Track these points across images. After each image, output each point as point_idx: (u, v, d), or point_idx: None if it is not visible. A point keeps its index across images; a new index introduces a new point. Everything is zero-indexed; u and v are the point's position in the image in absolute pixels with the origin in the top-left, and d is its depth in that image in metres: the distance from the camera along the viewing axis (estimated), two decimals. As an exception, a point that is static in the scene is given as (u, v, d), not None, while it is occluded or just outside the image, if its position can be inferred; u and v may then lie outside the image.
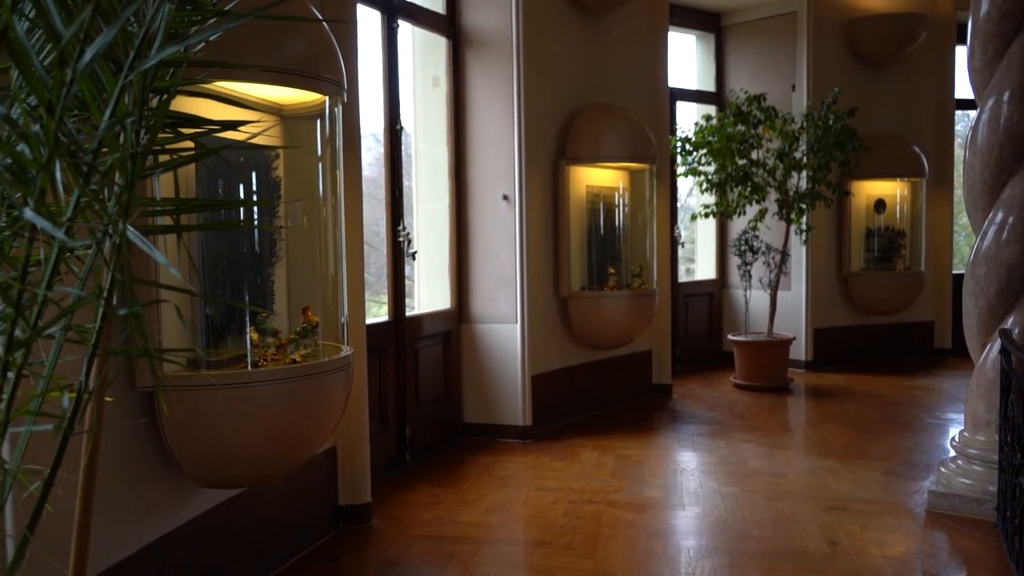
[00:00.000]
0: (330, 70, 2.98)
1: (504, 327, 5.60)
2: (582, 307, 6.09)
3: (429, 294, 5.68)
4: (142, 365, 2.56)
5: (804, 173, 7.24)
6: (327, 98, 3.09)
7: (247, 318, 3.00)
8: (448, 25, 5.58)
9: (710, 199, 7.50)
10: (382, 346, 4.89)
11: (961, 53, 8.46)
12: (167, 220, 1.76)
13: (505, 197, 5.55)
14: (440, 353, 5.55)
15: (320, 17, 3.27)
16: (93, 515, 1.39)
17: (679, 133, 7.40)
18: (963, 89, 8.50)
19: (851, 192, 8.20)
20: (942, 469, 4.24)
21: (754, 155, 7.19)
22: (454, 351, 5.66)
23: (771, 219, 7.33)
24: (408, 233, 5.13)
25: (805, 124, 7.21)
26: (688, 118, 8.29)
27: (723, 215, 7.55)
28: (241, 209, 3.14)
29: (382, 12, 4.94)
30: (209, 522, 3.05)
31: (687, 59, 8.77)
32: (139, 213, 1.32)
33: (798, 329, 8.01)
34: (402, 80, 5.12)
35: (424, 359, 5.36)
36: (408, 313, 5.20)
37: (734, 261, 7.88)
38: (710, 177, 7.28)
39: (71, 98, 1.10)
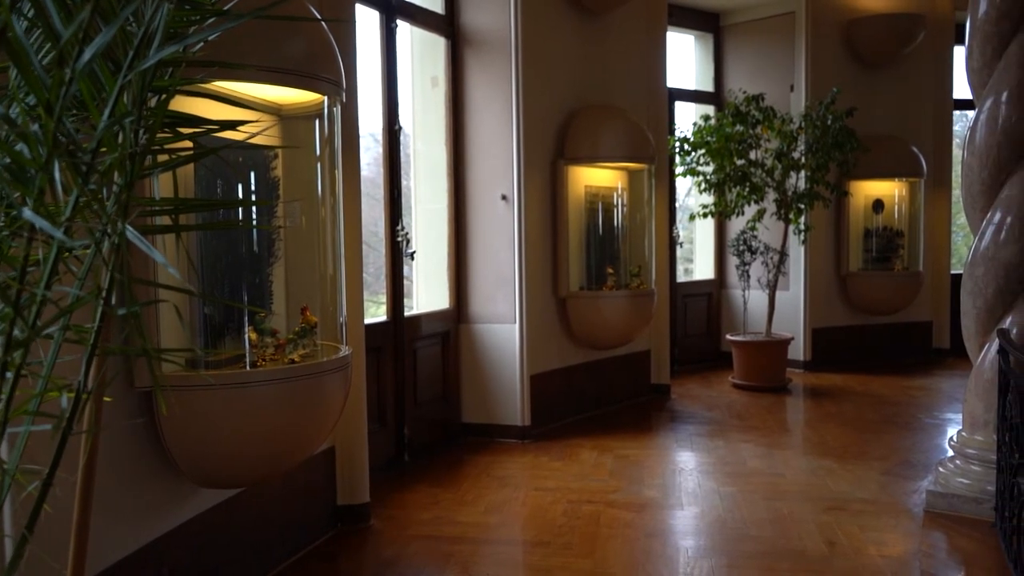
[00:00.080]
0: (329, 70, 2.98)
1: (503, 327, 5.60)
2: (581, 307, 6.09)
3: (428, 294, 5.68)
4: (140, 365, 2.56)
5: (802, 173, 7.25)
6: (326, 98, 3.09)
7: (245, 318, 3.00)
8: (447, 25, 5.58)
9: (708, 199, 7.50)
10: (380, 346, 4.89)
11: (959, 53, 8.45)
12: (166, 220, 1.76)
13: (504, 197, 5.55)
14: (439, 353, 5.55)
15: (319, 17, 3.27)
16: (92, 515, 1.38)
17: (678, 133, 7.41)
18: (961, 89, 8.51)
19: (849, 192, 8.21)
20: (940, 469, 4.24)
21: (752, 155, 7.19)
22: (453, 351, 5.66)
23: (769, 219, 7.33)
24: (407, 233, 5.13)
25: (803, 124, 7.21)
26: (687, 118, 8.30)
27: (721, 215, 7.56)
28: (240, 209, 3.14)
29: (381, 12, 4.94)
30: (208, 522, 3.05)
31: (686, 59, 8.78)
32: (138, 213, 1.32)
33: (796, 329, 8.02)
34: (401, 80, 5.12)
35: (423, 359, 5.36)
36: (407, 313, 5.20)
37: (732, 261, 7.88)
38: (708, 177, 7.28)
39: (70, 98, 1.09)
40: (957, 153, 8.87)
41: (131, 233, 1.13)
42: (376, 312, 5.17)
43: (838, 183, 7.73)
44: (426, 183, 5.68)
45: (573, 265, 6.14)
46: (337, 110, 3.19)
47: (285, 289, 3.26)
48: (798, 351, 8.02)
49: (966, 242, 10.33)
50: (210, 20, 1.31)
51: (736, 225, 7.94)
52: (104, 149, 1.16)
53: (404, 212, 5.20)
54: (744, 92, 7.23)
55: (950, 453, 4.34)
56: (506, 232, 5.56)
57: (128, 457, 2.64)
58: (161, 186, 2.49)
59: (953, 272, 8.77)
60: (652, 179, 6.55)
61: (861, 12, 8.28)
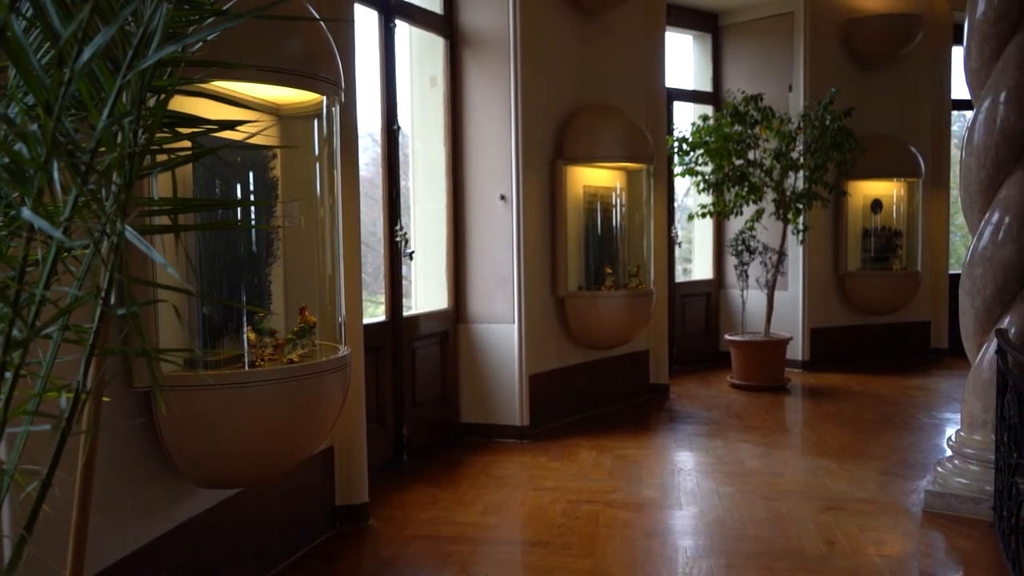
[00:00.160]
0: (327, 70, 2.98)
1: (501, 327, 5.60)
2: (579, 307, 6.09)
3: (426, 294, 5.67)
4: (139, 365, 2.55)
5: (801, 173, 7.25)
6: (324, 98, 3.09)
7: (244, 318, 3.00)
8: (445, 25, 5.58)
9: (707, 199, 7.51)
10: (379, 346, 4.88)
11: (957, 54, 8.45)
12: (164, 220, 1.76)
13: (502, 197, 5.55)
14: (437, 353, 5.55)
15: (317, 17, 3.27)
16: (91, 515, 1.38)
17: (676, 133, 7.41)
18: (959, 89, 8.53)
19: (848, 192, 8.22)
20: (939, 469, 4.25)
21: (751, 155, 7.20)
22: (451, 351, 5.66)
23: (768, 219, 7.34)
24: (405, 233, 5.13)
25: (802, 124, 7.22)
26: (685, 118, 8.31)
27: (720, 215, 7.56)
28: (238, 209, 3.13)
29: (379, 12, 4.93)
30: (206, 522, 3.05)
31: (684, 59, 8.78)
32: (137, 213, 1.32)
33: (795, 329, 8.03)
34: (399, 80, 5.12)
35: (421, 359, 5.36)
36: (405, 313, 5.20)
37: (731, 261, 7.88)
38: (707, 177, 7.29)
39: (69, 97, 1.09)
40: (955, 153, 8.88)
41: (130, 233, 1.13)
42: (375, 312, 5.17)
43: (836, 183, 7.74)
44: (425, 183, 5.68)
45: (572, 265, 6.14)
46: (336, 110, 3.19)
47: (284, 289, 3.26)
48: (796, 351, 8.03)
49: (964, 242, 10.34)
50: (209, 20, 1.31)
51: (735, 225, 7.95)
52: (103, 149, 1.16)
53: (403, 212, 5.19)
54: (743, 92, 7.24)
55: (948, 453, 4.34)
56: (505, 232, 5.56)
57: (127, 457, 2.63)
58: (160, 186, 2.49)
59: (951, 272, 8.79)
60: (651, 179, 6.55)
61: (859, 12, 8.28)
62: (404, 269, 5.24)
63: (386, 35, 4.97)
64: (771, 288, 7.42)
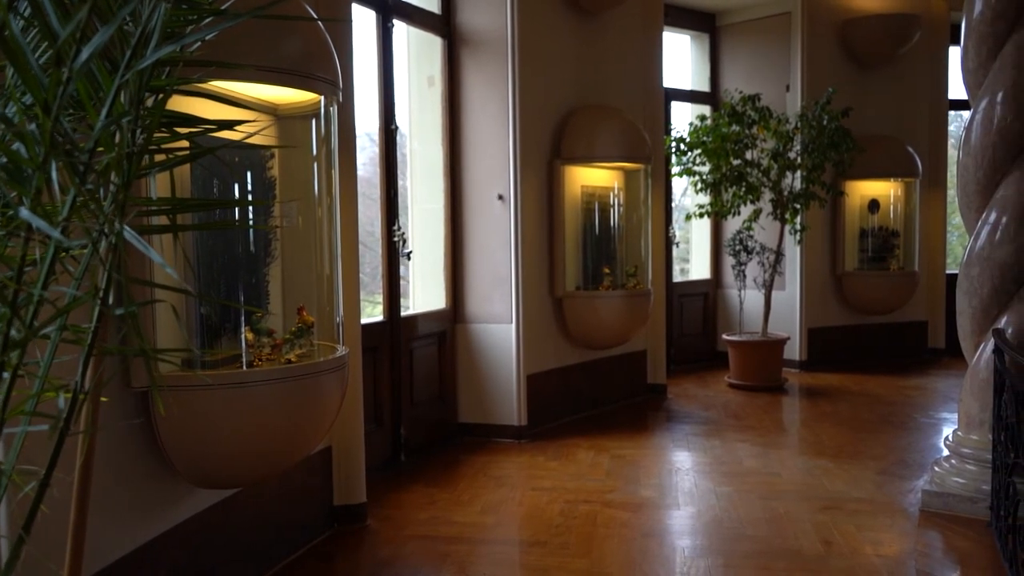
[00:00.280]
0: (325, 70, 2.98)
1: (499, 327, 5.60)
2: (577, 307, 6.10)
3: (424, 294, 5.67)
4: (137, 365, 2.55)
5: (798, 173, 7.26)
6: (322, 98, 3.09)
7: (242, 318, 2.99)
8: (443, 25, 5.58)
9: (705, 199, 7.51)
10: (377, 346, 4.88)
11: (955, 54, 8.49)
12: (162, 220, 1.76)
13: (500, 197, 5.55)
14: (435, 353, 5.55)
15: (315, 17, 3.26)
16: (89, 515, 1.38)
17: (674, 133, 7.41)
18: (957, 90, 8.54)
19: (845, 192, 8.23)
20: (936, 468, 4.25)
21: (748, 155, 7.20)
22: (449, 351, 5.66)
23: (765, 219, 7.35)
24: (403, 233, 5.13)
25: (799, 124, 7.22)
26: (683, 118, 8.31)
27: (718, 215, 7.56)
28: (236, 209, 3.13)
29: (377, 12, 4.93)
30: (204, 522, 3.04)
31: (682, 59, 8.79)
32: (135, 213, 1.32)
33: (792, 329, 8.03)
34: (397, 80, 5.12)
35: (419, 359, 5.36)
36: (403, 313, 5.20)
37: (728, 261, 7.89)
38: (705, 177, 7.29)
39: (67, 97, 1.09)
40: (952, 153, 8.90)
41: (128, 233, 1.13)
42: (372, 312, 5.16)
43: (834, 183, 7.76)
44: (422, 183, 5.68)
45: (569, 265, 6.14)
46: (334, 110, 3.19)
47: (282, 289, 3.26)
48: (794, 351, 8.03)
49: (961, 242, 10.36)
50: (207, 20, 1.31)
51: (732, 225, 7.95)
52: (101, 149, 1.16)
53: (400, 212, 5.19)
54: (740, 92, 7.24)
55: (946, 452, 4.35)
56: (502, 232, 5.56)
57: (125, 457, 2.63)
58: (158, 186, 2.49)
59: (948, 272, 8.80)
60: (648, 179, 6.55)
61: (857, 12, 8.29)
62: (402, 269, 5.24)
63: (384, 35, 4.97)
64: (768, 288, 7.43)
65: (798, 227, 7.42)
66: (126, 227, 1.14)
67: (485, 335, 5.65)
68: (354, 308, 3.95)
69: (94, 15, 1.11)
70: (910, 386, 7.40)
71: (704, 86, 8.73)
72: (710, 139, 7.13)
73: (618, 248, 6.51)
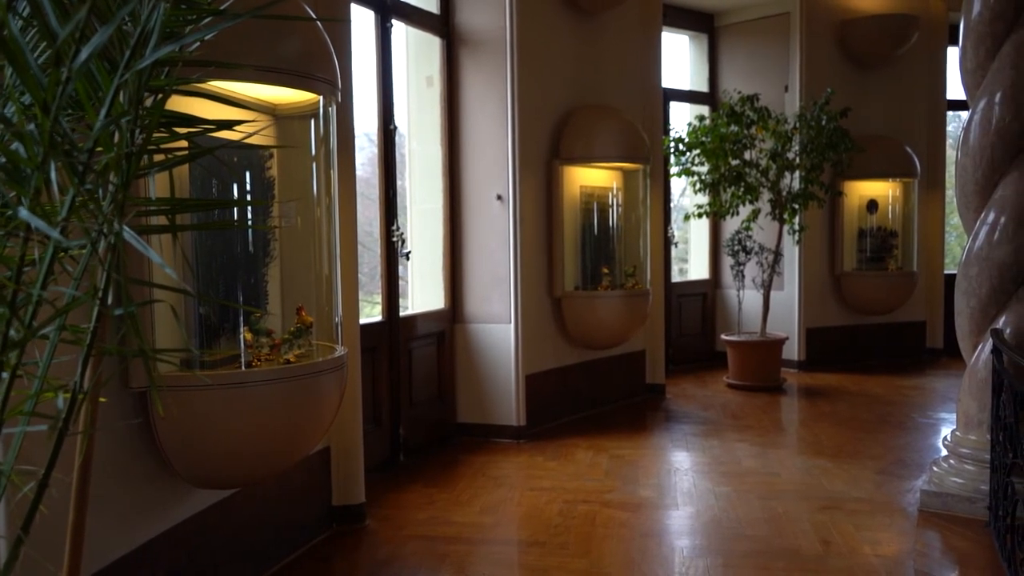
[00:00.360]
0: (324, 70, 2.98)
1: (498, 327, 5.60)
2: (576, 307, 6.10)
3: (423, 294, 5.67)
4: (136, 365, 2.55)
5: (797, 173, 7.26)
6: (321, 98, 3.09)
7: (241, 318, 2.99)
8: (442, 25, 5.58)
9: (703, 199, 7.51)
10: (376, 346, 4.88)
11: (953, 54, 8.50)
12: (161, 220, 1.76)
13: (499, 197, 5.55)
14: (434, 353, 5.55)
15: (314, 17, 3.26)
16: (87, 516, 1.38)
17: (672, 133, 7.41)
18: (955, 90, 8.55)
19: (843, 192, 8.23)
20: (934, 468, 4.26)
21: (747, 155, 7.21)
22: (448, 351, 5.66)
23: (764, 219, 7.35)
24: (402, 233, 5.13)
25: (798, 124, 7.23)
26: (681, 118, 8.32)
27: (716, 215, 7.56)
28: (235, 209, 3.13)
29: (376, 12, 4.93)
30: (203, 522, 3.04)
31: (680, 59, 8.79)
32: (134, 213, 1.32)
33: (791, 329, 8.04)
34: (396, 80, 5.12)
35: (418, 359, 5.35)
36: (402, 313, 5.19)
37: (727, 261, 7.90)
38: (703, 177, 7.29)
39: (66, 97, 1.09)
40: (951, 153, 8.91)
41: (128, 233, 1.13)
42: (371, 312, 5.16)
43: (832, 183, 7.76)
44: (421, 183, 5.68)
45: (568, 265, 6.14)
46: (332, 110, 3.18)
47: (281, 289, 3.25)
48: (792, 351, 8.04)
49: (959, 242, 10.37)
50: (206, 20, 1.31)
51: (731, 225, 7.96)
52: (100, 149, 1.16)
53: (399, 212, 5.19)
54: (739, 92, 7.24)
55: (944, 452, 4.35)
56: (501, 232, 5.56)
57: (124, 458, 2.63)
58: (157, 186, 2.49)
59: (947, 272, 8.81)
60: (647, 179, 6.56)
61: (855, 13, 8.30)
62: (401, 269, 5.24)
63: (383, 35, 4.97)
64: (767, 288, 7.43)
65: (796, 227, 7.42)
66: (125, 227, 1.14)
67: (484, 335, 5.65)
68: (353, 308, 3.95)
69: (93, 15, 1.11)
70: (908, 386, 7.41)
71: (703, 86, 8.73)
72: (709, 139, 7.13)
73: (617, 248, 6.52)
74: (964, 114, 4.27)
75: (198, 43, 1.33)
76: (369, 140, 5.14)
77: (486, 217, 5.61)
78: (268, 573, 3.48)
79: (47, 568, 1.58)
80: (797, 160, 7.22)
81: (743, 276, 7.49)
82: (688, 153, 7.27)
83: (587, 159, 6.09)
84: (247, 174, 3.09)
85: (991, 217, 4.03)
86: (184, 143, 1.56)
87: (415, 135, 5.67)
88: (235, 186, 3.09)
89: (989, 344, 3.94)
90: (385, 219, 5.05)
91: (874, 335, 8.69)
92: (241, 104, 2.91)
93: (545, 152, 5.95)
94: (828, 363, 8.24)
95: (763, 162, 7.20)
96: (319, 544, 3.83)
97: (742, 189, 7.16)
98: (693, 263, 9.03)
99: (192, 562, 3.00)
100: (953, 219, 9.59)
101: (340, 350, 3.12)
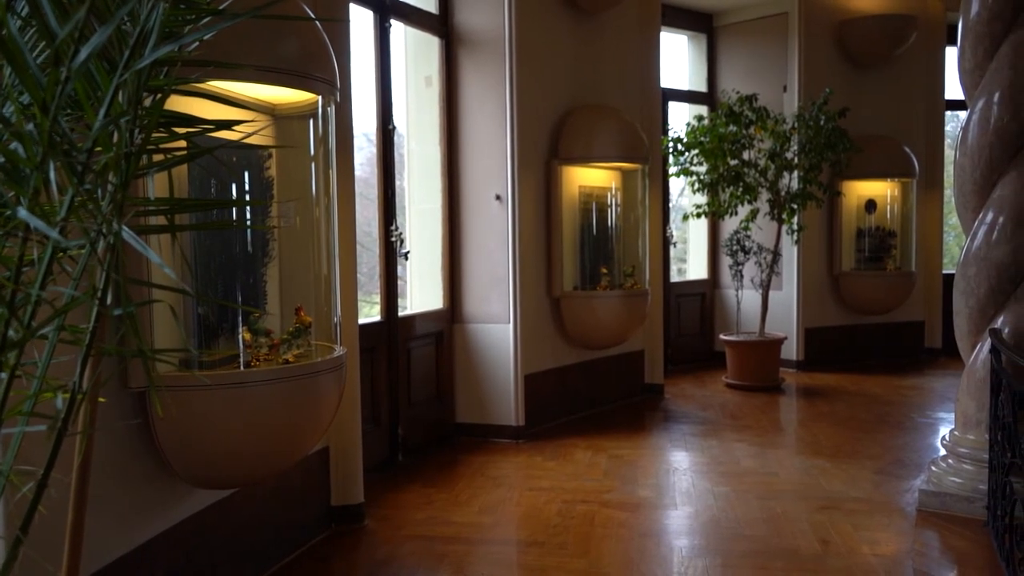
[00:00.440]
0: (323, 70, 2.98)
1: (497, 327, 5.60)
2: (575, 307, 6.10)
3: (422, 294, 5.67)
4: (135, 365, 2.55)
5: (795, 173, 7.27)
6: (320, 98, 3.09)
7: (240, 318, 2.99)
8: (441, 25, 5.58)
9: (702, 199, 7.52)
10: (374, 346, 4.88)
11: (951, 54, 8.50)
12: (160, 220, 1.75)
13: (498, 197, 5.55)
14: (433, 353, 5.55)
15: (313, 17, 3.26)
16: (86, 516, 1.38)
17: (671, 133, 7.41)
18: (953, 90, 8.55)
19: (842, 192, 8.24)
20: (933, 468, 4.26)
21: (746, 155, 7.21)
22: (446, 351, 5.66)
23: (762, 219, 7.36)
24: (401, 233, 5.13)
25: (796, 124, 7.24)
26: (680, 118, 8.32)
27: (715, 215, 7.57)
28: (234, 209, 3.13)
29: (375, 12, 4.93)
30: (202, 523, 3.04)
31: (679, 59, 8.79)
32: (133, 213, 1.31)
33: (789, 329, 8.04)
34: (395, 80, 5.12)
35: (416, 359, 5.35)
36: (401, 313, 5.19)
37: (726, 261, 7.90)
38: (702, 177, 7.30)
39: (65, 97, 1.09)
40: (949, 153, 8.91)
41: (127, 233, 1.13)
42: (370, 312, 5.16)
43: (830, 183, 7.76)
44: (420, 183, 5.68)
45: (567, 265, 6.15)
46: (331, 110, 3.18)
47: (279, 289, 3.25)
48: (791, 351, 8.04)
49: (958, 242, 10.37)
50: (205, 20, 1.31)
51: (729, 225, 7.96)
52: (99, 148, 1.16)
53: (398, 212, 5.19)
54: (737, 92, 7.25)
55: (942, 452, 4.36)
56: (500, 232, 5.56)
57: (122, 458, 2.63)
58: (156, 186, 2.48)
59: (945, 272, 8.81)
60: (646, 179, 6.56)
61: (853, 13, 8.30)
62: (399, 269, 5.24)
63: (381, 35, 4.97)
64: (766, 288, 7.44)
65: (795, 227, 7.43)
66: (124, 227, 1.14)
67: (483, 335, 5.65)
68: (352, 308, 3.95)
69: (92, 15, 1.11)
70: (907, 386, 7.41)
71: (701, 86, 8.74)
72: (707, 139, 7.13)
73: (615, 248, 6.52)
74: (962, 114, 4.28)
75: (197, 43, 1.33)
76: (368, 140, 5.14)
77: (485, 217, 5.61)
78: (267, 573, 3.48)
79: (46, 568, 1.58)
80: (796, 160, 7.22)
81: (742, 276, 7.49)
82: (687, 153, 7.28)
83: (586, 159, 6.09)
84: (246, 174, 3.09)
85: (989, 217, 4.03)
86: (183, 143, 1.56)
87: (414, 135, 5.66)
88: (234, 186, 3.08)
89: (987, 344, 3.95)
90: (384, 219, 5.05)
91: (873, 335, 8.70)
92: (240, 104, 2.91)
93: (544, 152, 5.96)
94: (827, 363, 8.25)
95: (762, 162, 7.21)
96: (318, 544, 3.82)
97: (741, 189, 7.17)
98: (692, 263, 9.03)
99: (191, 562, 3.00)
100: (951, 219, 9.60)
101: (339, 350, 3.12)
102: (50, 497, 1.20)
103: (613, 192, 6.54)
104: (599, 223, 6.44)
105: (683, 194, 8.72)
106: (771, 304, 7.57)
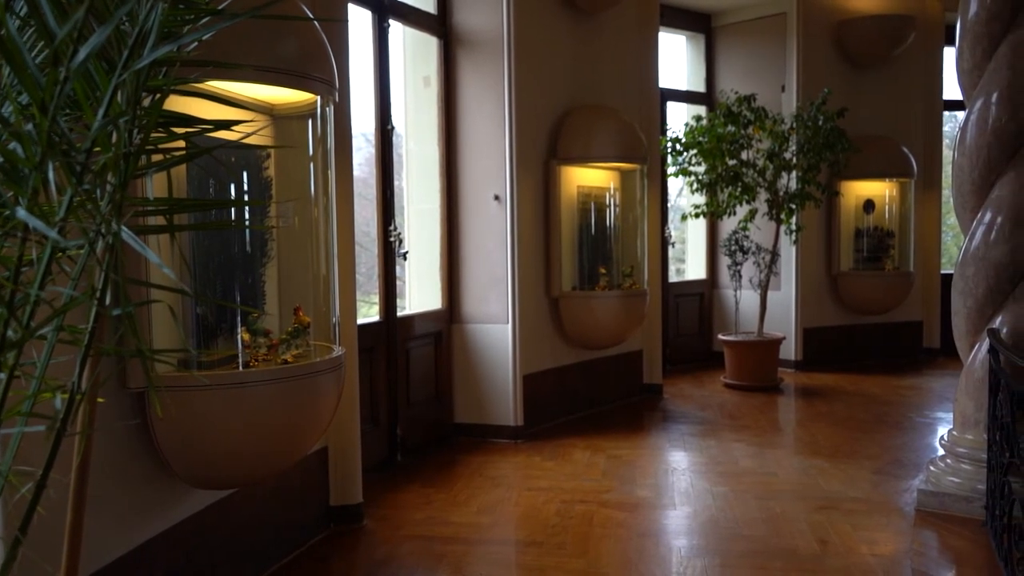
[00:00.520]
0: (322, 70, 2.98)
1: (495, 327, 5.60)
2: (573, 307, 6.10)
3: (420, 294, 5.67)
4: (134, 365, 2.55)
5: (794, 173, 7.27)
6: (318, 98, 3.09)
7: (238, 318, 2.99)
8: (439, 25, 5.58)
9: (700, 199, 7.52)
10: (373, 346, 4.88)
11: (950, 54, 8.49)
12: (159, 220, 1.75)
13: (496, 197, 5.55)
14: (431, 353, 5.55)
15: (312, 17, 3.26)
16: (85, 516, 1.38)
17: (669, 133, 7.42)
18: (951, 90, 8.55)
19: (840, 192, 8.25)
20: (931, 468, 4.26)
21: (744, 155, 7.21)
22: (445, 351, 5.65)
23: (761, 219, 7.36)
24: (399, 233, 5.13)
25: (795, 125, 7.24)
26: (678, 118, 8.32)
27: (713, 215, 7.57)
28: (232, 209, 3.13)
29: (373, 12, 4.93)
30: (201, 523, 3.04)
31: (677, 60, 8.80)
32: (132, 213, 1.31)
33: (788, 329, 8.05)
34: (393, 80, 5.11)
35: (415, 359, 5.35)
36: (399, 313, 5.19)
37: (724, 261, 7.90)
38: (700, 177, 7.30)
39: (64, 97, 1.09)
40: (947, 154, 8.92)
41: (126, 233, 1.13)
42: (369, 312, 5.16)
43: (829, 183, 7.77)
44: (419, 183, 5.67)
45: (566, 265, 6.15)
46: (330, 110, 3.18)
47: (278, 289, 3.25)
48: (789, 351, 8.05)
49: (956, 242, 10.39)
50: (204, 20, 1.31)
51: (728, 225, 7.97)
52: (98, 149, 1.16)
53: (396, 212, 5.19)
54: (736, 92, 7.25)
55: (941, 452, 4.36)
56: (499, 232, 5.56)
57: (121, 458, 2.62)
58: (154, 186, 2.48)
59: (943, 272, 8.82)
60: (644, 179, 6.56)
61: (852, 13, 8.31)
62: (398, 269, 5.24)
63: (380, 35, 4.97)
64: (764, 288, 7.44)
65: (794, 227, 7.44)
66: (123, 227, 1.14)
67: (481, 335, 5.65)
68: (350, 308, 3.95)
69: (91, 15, 1.11)
70: (905, 386, 7.42)
71: (700, 86, 8.74)
72: (706, 139, 7.13)
73: (614, 248, 6.52)
74: (961, 114, 4.28)
75: (196, 43, 1.33)
76: (366, 140, 5.14)
77: (484, 217, 5.61)
78: (266, 573, 3.48)
79: (45, 569, 1.58)
80: (794, 160, 7.23)
81: (740, 276, 7.50)
82: (685, 153, 7.28)
83: (584, 159, 6.09)
84: (244, 174, 3.09)
85: (988, 217, 4.04)
86: (182, 143, 1.55)
87: (412, 135, 5.66)
88: (233, 186, 3.08)
89: (986, 344, 3.95)
90: (382, 219, 5.05)
91: (871, 335, 8.71)
92: (239, 104, 2.91)
93: (542, 152, 5.96)
94: (825, 363, 8.25)
95: (760, 162, 7.21)
96: (317, 544, 3.82)
97: (739, 189, 7.17)
98: (690, 263, 9.03)
99: (190, 562, 2.99)
100: (950, 219, 9.61)
101: (338, 350, 3.12)
102: (49, 497, 1.19)
103: (612, 192, 6.54)
104: (598, 223, 6.44)
105: (681, 194, 8.73)
106: (769, 304, 7.58)
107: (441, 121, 5.64)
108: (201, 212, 2.88)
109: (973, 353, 4.14)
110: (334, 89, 3.09)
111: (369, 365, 4.81)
